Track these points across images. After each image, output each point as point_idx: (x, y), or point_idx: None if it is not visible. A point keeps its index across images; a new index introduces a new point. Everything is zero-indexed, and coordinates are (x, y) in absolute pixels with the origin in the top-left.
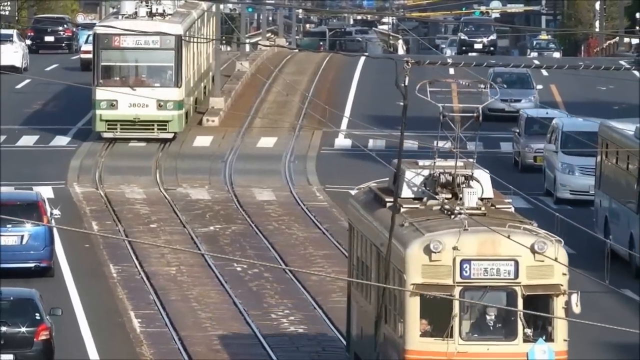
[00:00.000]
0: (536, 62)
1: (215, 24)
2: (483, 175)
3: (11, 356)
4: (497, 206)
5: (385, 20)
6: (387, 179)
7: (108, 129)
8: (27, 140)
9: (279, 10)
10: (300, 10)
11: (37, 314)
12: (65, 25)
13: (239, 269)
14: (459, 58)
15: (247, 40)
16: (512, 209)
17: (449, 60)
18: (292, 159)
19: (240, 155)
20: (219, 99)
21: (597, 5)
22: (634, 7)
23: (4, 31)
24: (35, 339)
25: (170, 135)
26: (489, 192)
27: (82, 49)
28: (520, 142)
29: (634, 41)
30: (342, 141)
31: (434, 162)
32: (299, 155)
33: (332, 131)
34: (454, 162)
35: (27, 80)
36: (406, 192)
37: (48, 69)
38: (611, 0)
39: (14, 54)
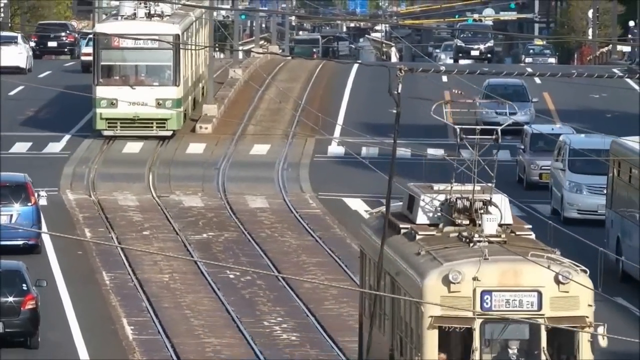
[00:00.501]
0: (529, 69)
1: (209, 30)
2: (502, 200)
3: (0, 324)
4: (517, 233)
5: (378, 27)
6: (401, 203)
7: (108, 127)
8: (20, 147)
9: (272, 17)
10: (293, 18)
11: (24, 285)
12: (67, 31)
13: (231, 276)
14: (455, 65)
15: (240, 48)
16: (533, 236)
17: (442, 68)
18: (285, 166)
19: (233, 163)
20: (212, 106)
21: (590, 13)
22: (626, 15)
23: (8, 33)
24: (22, 308)
25: (169, 133)
26: (508, 218)
27: (82, 51)
28: (526, 159)
29: (626, 49)
30: (335, 149)
31: (451, 187)
32: (292, 163)
33: (325, 139)
34: (471, 186)
35: (21, 87)
36: (421, 218)
37: (42, 75)
38: (604, 7)
39: (18, 55)
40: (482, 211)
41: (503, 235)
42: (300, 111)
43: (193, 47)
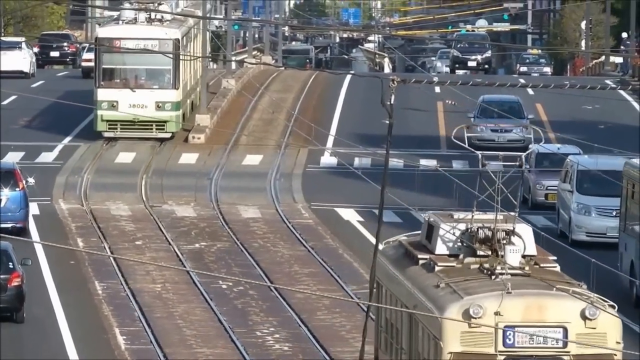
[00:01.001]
0: (522, 80)
1: (203, 40)
2: (525, 230)
3: None
4: (542, 265)
5: (371, 38)
6: (419, 232)
7: (109, 128)
8: (13, 157)
9: (264, 27)
10: (286, 28)
11: (10, 263)
12: (69, 42)
13: (224, 286)
14: (448, 76)
15: (233, 58)
16: (558, 268)
17: (435, 79)
18: (278, 176)
19: (226, 173)
20: (205, 116)
21: (583, 25)
22: (619, 27)
23: (13, 39)
24: (8, 285)
25: (168, 135)
26: (531, 249)
27: (82, 57)
28: (531, 178)
29: (619, 60)
30: (327, 159)
31: (472, 216)
32: (285, 173)
33: (317, 149)
34: (493, 215)
35: (13, 97)
36: (441, 248)
37: (34, 85)
38: (597, 19)
39: (23, 59)
40: (504, 242)
41: (527, 268)
42: (293, 121)
43: (189, 57)
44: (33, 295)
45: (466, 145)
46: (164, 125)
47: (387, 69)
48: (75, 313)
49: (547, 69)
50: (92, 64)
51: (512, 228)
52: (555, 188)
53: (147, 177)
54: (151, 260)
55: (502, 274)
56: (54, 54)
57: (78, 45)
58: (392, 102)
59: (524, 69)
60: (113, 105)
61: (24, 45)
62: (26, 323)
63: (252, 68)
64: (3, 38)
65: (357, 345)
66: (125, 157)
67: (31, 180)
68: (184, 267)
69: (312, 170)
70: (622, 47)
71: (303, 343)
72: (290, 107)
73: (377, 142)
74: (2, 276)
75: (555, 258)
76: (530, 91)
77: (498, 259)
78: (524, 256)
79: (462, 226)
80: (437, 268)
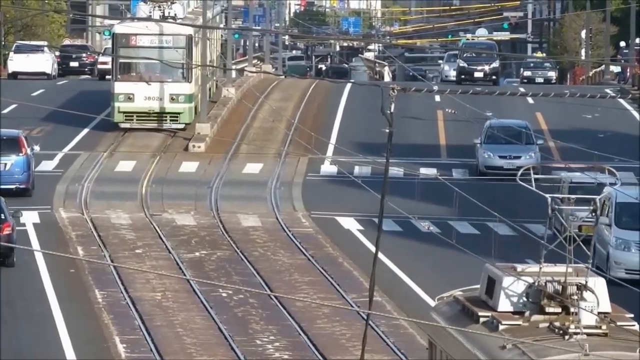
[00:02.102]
0: (522, 89)
1: (202, 48)
2: (599, 284)
3: None
4: (619, 323)
5: (371, 47)
6: (477, 286)
7: (125, 119)
8: None
9: (265, 36)
10: (286, 37)
11: (2, 215)
12: (88, 52)
13: (224, 294)
14: (449, 85)
15: (234, 67)
16: (637, 327)
17: (435, 88)
18: (278, 185)
19: (226, 181)
20: (205, 125)
21: (583, 34)
22: (619, 36)
23: (36, 42)
24: (0, 233)
25: (181, 126)
26: (606, 306)
27: (99, 60)
28: (564, 210)
29: (617, 69)
30: (327, 168)
31: (540, 268)
32: (285, 182)
33: (318, 158)
34: (563, 267)
35: (14, 105)
36: (504, 305)
37: (35, 94)
38: (597, 28)
39: (45, 62)
40: (576, 297)
41: (604, 327)
42: (293, 130)
43: (193, 66)
44: (32, 303)
45: (534, 188)
46: (177, 117)
47: (387, 78)
48: (75, 321)
49: (552, 74)
50: (107, 66)
51: (584, 282)
52: (589, 220)
53: (148, 186)
54: (151, 268)
55: (576, 333)
56: (74, 64)
57: (96, 55)
58: (392, 110)
59: (527, 73)
60: (129, 98)
61: (46, 49)
62: (25, 332)
63: (253, 77)
64: (27, 42)
65: (357, 353)
66: (125, 166)
67: (37, 147)
68: (184, 275)
69: (312, 179)
70: (619, 55)
71: (303, 351)
72: (290, 116)
73: (377, 150)
74: None
75: (632, 315)
76: (530, 100)
77: (570, 317)
78: (598, 313)
79: (528, 280)
80: (501, 327)
